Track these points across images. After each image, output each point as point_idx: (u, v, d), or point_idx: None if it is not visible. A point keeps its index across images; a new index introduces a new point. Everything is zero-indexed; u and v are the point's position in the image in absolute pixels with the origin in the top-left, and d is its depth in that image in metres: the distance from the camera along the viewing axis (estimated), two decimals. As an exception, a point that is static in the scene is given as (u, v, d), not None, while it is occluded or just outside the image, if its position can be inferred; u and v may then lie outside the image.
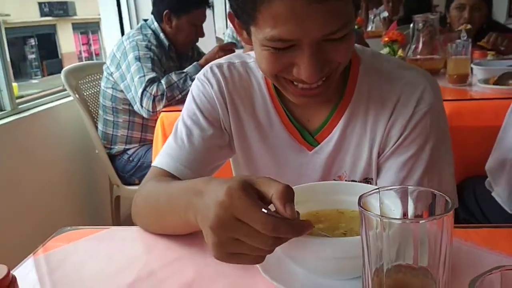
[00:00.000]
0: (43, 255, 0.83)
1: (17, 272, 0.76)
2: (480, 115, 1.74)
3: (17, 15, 13.86)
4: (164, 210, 0.79)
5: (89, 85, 2.58)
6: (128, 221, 0.95)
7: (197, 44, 2.62)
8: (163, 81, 2.11)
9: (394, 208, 0.53)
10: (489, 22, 2.73)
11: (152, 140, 2.09)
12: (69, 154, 2.58)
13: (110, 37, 3.35)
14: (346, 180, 0.94)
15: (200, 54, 2.65)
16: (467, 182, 1.63)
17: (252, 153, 0.98)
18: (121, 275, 0.74)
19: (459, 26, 2.56)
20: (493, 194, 1.50)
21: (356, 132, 0.91)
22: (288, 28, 0.71)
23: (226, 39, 4.01)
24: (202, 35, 2.46)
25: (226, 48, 2.29)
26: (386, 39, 2.65)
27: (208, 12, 2.50)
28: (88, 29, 16.50)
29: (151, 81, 2.11)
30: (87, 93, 2.55)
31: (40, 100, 2.54)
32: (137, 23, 2.92)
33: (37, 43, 15.13)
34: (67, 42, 16.02)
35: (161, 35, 2.37)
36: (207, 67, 0.99)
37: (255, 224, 0.55)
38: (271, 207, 0.58)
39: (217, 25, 4.78)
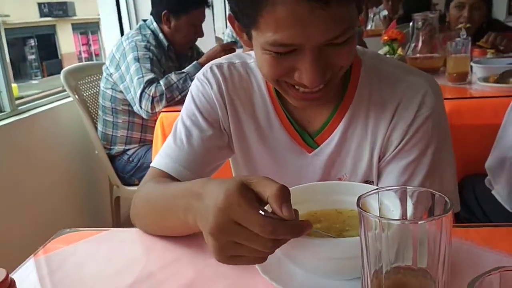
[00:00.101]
0: (43, 256, 0.83)
1: (17, 274, 0.76)
2: (480, 113, 1.74)
3: (17, 16, 13.87)
4: (163, 211, 0.79)
5: (88, 85, 2.58)
6: (128, 222, 0.95)
7: (196, 44, 2.62)
8: (162, 82, 2.11)
9: (393, 208, 0.53)
10: (489, 20, 2.73)
11: (151, 141, 2.09)
12: (69, 155, 2.58)
13: (109, 37, 3.35)
14: None
15: (200, 54, 2.65)
16: (467, 181, 1.63)
17: (252, 154, 0.98)
18: (121, 277, 0.74)
19: (459, 25, 2.56)
20: (493, 192, 1.50)
21: (356, 135, 0.90)
22: (290, 33, 0.70)
23: (226, 39, 4.01)
24: (202, 35, 2.46)
25: (227, 48, 2.28)
26: (386, 37, 2.65)
27: (208, 11, 2.49)
28: (88, 30, 16.52)
29: (149, 82, 2.11)
30: (87, 93, 2.55)
31: (39, 101, 2.54)
32: (137, 23, 2.92)
33: (36, 43, 15.16)
34: (67, 42, 16.04)
35: (160, 36, 2.37)
36: (207, 67, 0.98)
37: (253, 228, 0.55)
38: (268, 207, 0.58)
39: (217, 25, 4.79)
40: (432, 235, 0.46)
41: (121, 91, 2.28)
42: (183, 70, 2.20)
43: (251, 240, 0.56)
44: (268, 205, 0.58)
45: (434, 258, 0.46)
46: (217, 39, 4.14)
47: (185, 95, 1.01)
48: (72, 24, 16.30)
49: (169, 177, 0.91)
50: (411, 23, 2.37)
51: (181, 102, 2.03)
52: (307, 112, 0.93)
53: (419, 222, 0.46)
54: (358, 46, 0.90)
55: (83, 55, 16.71)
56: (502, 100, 1.67)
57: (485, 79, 1.95)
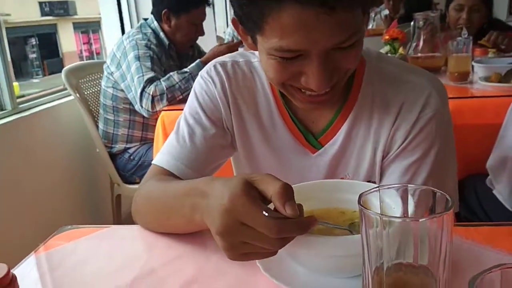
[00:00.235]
0: (44, 253, 0.83)
1: (18, 271, 0.76)
2: (481, 113, 1.74)
3: (18, 15, 13.87)
4: (166, 209, 0.79)
5: (89, 84, 2.58)
6: (129, 220, 0.95)
7: (197, 42, 2.62)
8: (163, 82, 2.10)
9: (394, 206, 0.53)
10: (489, 20, 2.72)
11: (153, 139, 2.09)
12: (70, 153, 2.59)
13: (110, 36, 3.35)
14: None
15: (201, 53, 2.65)
16: (468, 180, 1.63)
17: (255, 153, 0.98)
18: (122, 274, 0.74)
19: (458, 27, 2.56)
20: (494, 192, 1.50)
21: (360, 135, 0.90)
22: (296, 39, 0.69)
23: (227, 38, 4.01)
24: (202, 33, 2.46)
25: (234, 49, 2.25)
26: (387, 37, 2.65)
27: (209, 10, 2.49)
28: (89, 28, 16.51)
29: (149, 81, 2.11)
30: (88, 92, 2.55)
31: (40, 99, 2.54)
32: (138, 22, 2.92)
33: (38, 42, 15.15)
34: (68, 41, 16.04)
35: (161, 34, 2.37)
36: (210, 65, 0.97)
37: (260, 228, 0.56)
38: (272, 205, 0.58)
39: (218, 24, 4.78)
40: (433, 232, 0.46)
41: (122, 90, 2.29)
42: (185, 70, 2.19)
43: (258, 239, 0.57)
44: (271, 203, 0.58)
45: (435, 256, 0.46)
46: (218, 38, 4.14)
47: (187, 95, 1.01)
48: (73, 23, 16.30)
49: (170, 175, 0.91)
50: (412, 23, 2.36)
51: (182, 101, 2.03)
52: (311, 112, 0.92)
53: (420, 220, 0.46)
54: None
55: (84, 54, 16.71)
56: (504, 99, 1.67)
57: (487, 79, 1.95)
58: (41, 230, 1.10)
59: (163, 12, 2.32)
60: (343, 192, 0.75)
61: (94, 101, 2.57)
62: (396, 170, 0.88)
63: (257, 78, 0.95)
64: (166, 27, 2.36)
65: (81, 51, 16.74)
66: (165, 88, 2.08)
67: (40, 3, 15.28)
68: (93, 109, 2.53)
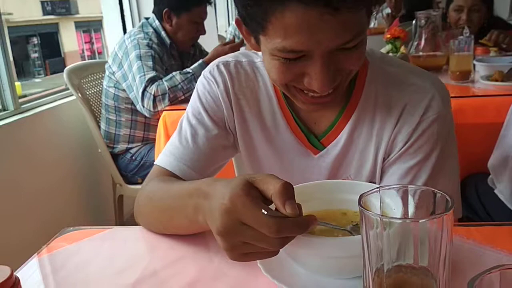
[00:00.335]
0: (46, 255, 0.83)
1: (21, 272, 0.77)
2: (483, 112, 1.73)
3: (20, 14, 13.88)
4: (168, 210, 0.80)
5: (91, 84, 2.58)
6: (131, 220, 0.95)
7: (199, 41, 2.62)
8: (166, 82, 2.10)
9: (395, 207, 0.53)
10: (490, 19, 2.72)
11: (154, 139, 2.09)
12: (72, 153, 2.59)
13: (112, 35, 3.36)
14: None
15: (203, 52, 2.65)
16: (469, 179, 1.63)
17: (257, 154, 0.98)
18: (124, 275, 0.75)
19: (458, 28, 2.56)
20: (495, 191, 1.50)
21: (362, 137, 0.90)
22: (299, 39, 0.69)
23: (229, 37, 4.01)
24: (204, 32, 2.46)
25: (237, 48, 2.25)
26: (389, 36, 2.64)
27: (210, 9, 2.49)
28: (91, 28, 16.52)
29: (150, 81, 2.11)
30: (90, 92, 2.55)
31: (42, 99, 2.55)
32: (139, 21, 2.93)
33: (39, 42, 15.16)
34: (70, 40, 16.05)
35: (162, 33, 2.37)
36: (213, 64, 0.97)
37: (260, 228, 0.56)
38: (273, 205, 0.58)
39: (219, 23, 4.78)
40: (433, 233, 0.46)
41: (123, 90, 2.29)
42: (188, 70, 2.19)
43: (258, 239, 0.57)
44: (273, 204, 0.58)
45: (435, 257, 0.47)
46: (220, 37, 4.13)
47: (190, 95, 1.01)
48: (75, 22, 16.31)
49: (172, 176, 0.91)
50: (414, 21, 2.37)
51: (184, 101, 2.03)
52: (314, 113, 0.92)
53: (420, 221, 0.46)
54: None
55: (86, 53, 16.72)
56: (505, 98, 1.67)
57: (488, 78, 1.95)
58: (44, 231, 1.11)
59: (164, 11, 2.33)
60: (344, 193, 0.75)
61: (96, 101, 2.57)
62: (397, 172, 0.88)
63: (260, 78, 0.95)
64: (167, 26, 2.37)
65: (83, 50, 16.75)
66: (167, 88, 2.08)
67: (42, 2, 15.30)
68: (95, 109, 2.53)
